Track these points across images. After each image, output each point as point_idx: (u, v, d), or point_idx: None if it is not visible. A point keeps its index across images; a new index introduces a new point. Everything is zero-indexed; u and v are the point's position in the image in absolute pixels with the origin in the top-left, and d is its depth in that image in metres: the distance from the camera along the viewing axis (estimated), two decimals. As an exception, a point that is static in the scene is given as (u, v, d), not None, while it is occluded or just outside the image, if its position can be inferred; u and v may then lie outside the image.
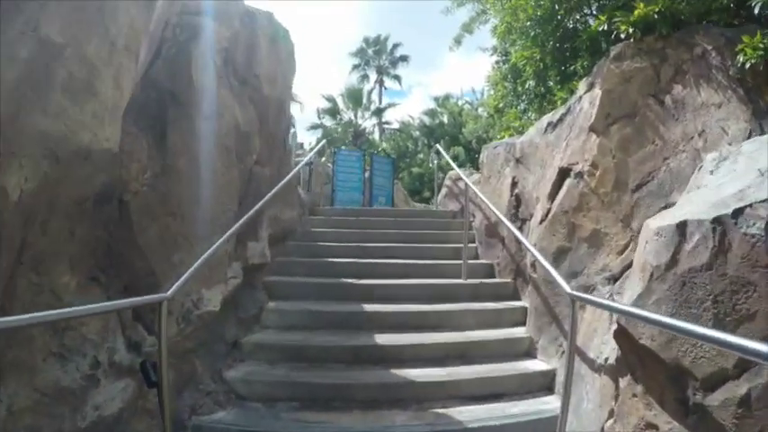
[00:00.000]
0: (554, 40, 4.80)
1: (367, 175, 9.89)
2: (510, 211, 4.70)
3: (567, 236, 3.55)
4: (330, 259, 4.99)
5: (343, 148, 15.75)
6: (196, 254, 2.89)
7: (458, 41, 7.68)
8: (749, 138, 2.89)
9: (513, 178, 4.74)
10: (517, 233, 3.80)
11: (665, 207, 3.11)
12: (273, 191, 4.05)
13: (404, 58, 29.20)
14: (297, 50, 5.04)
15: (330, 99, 25.64)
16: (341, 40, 60.91)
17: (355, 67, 29.00)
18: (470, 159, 19.46)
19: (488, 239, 5.16)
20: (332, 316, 3.96)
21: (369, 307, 4.09)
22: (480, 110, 22.57)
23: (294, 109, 26.92)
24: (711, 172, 2.67)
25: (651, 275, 2.29)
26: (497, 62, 7.60)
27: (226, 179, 3.55)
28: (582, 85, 3.89)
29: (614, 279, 3.29)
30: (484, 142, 18.89)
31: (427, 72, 54.12)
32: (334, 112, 25.60)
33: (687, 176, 2.99)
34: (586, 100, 3.68)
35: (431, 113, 23.90)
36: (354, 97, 25.17)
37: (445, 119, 22.95)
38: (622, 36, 3.58)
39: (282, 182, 4.44)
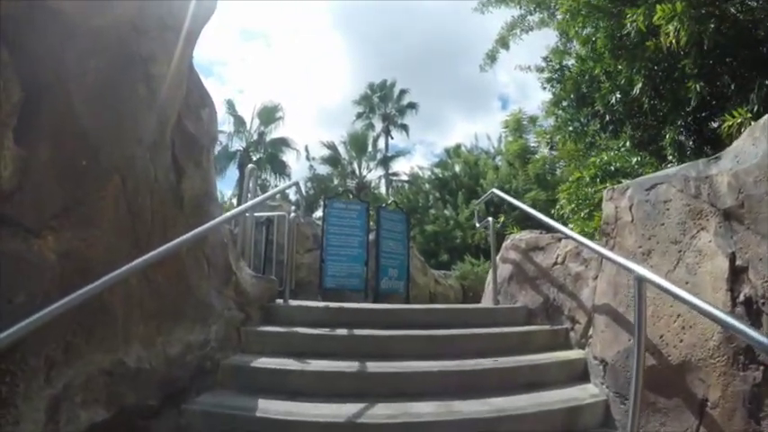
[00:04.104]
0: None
1: (372, 236, 6.90)
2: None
3: None
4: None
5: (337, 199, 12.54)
6: None
7: (491, 58, 6.76)
8: None
9: (732, 257, 1.84)
10: None
11: None
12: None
13: (412, 106, 26.80)
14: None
15: (330, 146, 23.21)
16: (334, 99, 59.83)
17: (359, 115, 26.65)
18: (493, 216, 16.50)
19: (654, 396, 2.15)
20: None
21: None
22: (497, 159, 19.95)
23: (290, 156, 24.47)
24: None
25: None
26: (549, 79, 6.12)
27: None
28: None
29: None
30: (507, 194, 16.20)
31: (431, 131, 52.10)
32: (334, 161, 23.02)
33: None
34: None
35: (442, 165, 21.23)
36: (358, 144, 22.65)
37: (458, 169, 20.22)
38: None
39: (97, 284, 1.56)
